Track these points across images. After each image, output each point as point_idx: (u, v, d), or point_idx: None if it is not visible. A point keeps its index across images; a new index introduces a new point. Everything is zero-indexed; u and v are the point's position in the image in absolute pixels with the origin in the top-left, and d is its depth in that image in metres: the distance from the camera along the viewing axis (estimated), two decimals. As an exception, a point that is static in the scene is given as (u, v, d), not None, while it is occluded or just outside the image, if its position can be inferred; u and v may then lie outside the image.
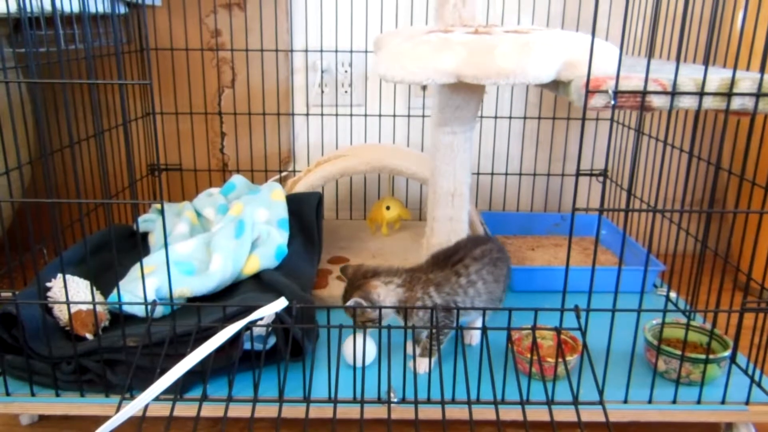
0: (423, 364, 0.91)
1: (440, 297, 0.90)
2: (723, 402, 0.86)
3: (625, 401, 0.86)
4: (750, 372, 0.91)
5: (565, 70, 0.86)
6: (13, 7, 1.02)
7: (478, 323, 0.99)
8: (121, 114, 1.46)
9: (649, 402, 0.86)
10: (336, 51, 1.51)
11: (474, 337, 1.01)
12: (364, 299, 0.87)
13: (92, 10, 1.24)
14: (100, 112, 1.46)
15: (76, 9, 1.16)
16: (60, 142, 1.19)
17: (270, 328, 0.88)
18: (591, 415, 0.80)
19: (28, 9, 1.02)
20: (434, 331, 0.89)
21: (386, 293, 0.88)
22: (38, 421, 0.96)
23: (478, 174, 1.60)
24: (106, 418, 0.71)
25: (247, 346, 0.87)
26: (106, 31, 1.32)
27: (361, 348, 0.89)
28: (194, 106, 1.52)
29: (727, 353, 0.90)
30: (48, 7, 1.08)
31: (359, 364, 0.89)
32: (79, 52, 1.24)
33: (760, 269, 1.22)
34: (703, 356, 0.87)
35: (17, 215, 1.33)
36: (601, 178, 1.58)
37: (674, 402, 0.86)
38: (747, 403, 0.86)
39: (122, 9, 1.41)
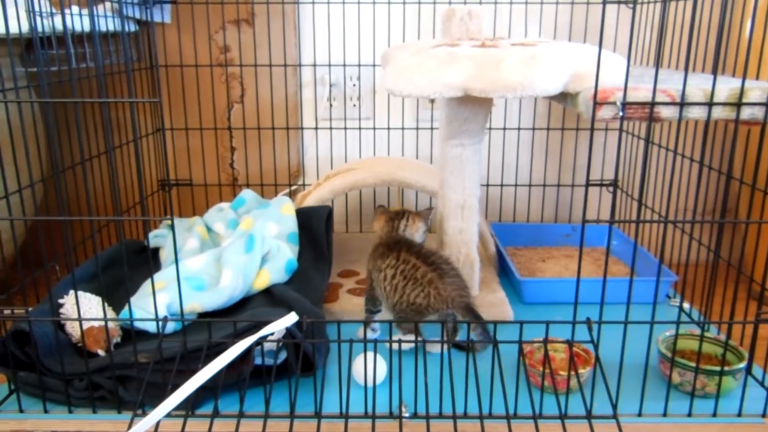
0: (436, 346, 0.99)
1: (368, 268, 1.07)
2: (739, 414, 0.85)
3: (640, 414, 0.85)
4: (766, 384, 0.90)
5: (572, 82, 0.86)
6: (25, 27, 1.03)
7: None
8: (131, 130, 1.47)
9: (664, 415, 0.85)
10: (344, 65, 1.52)
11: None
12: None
13: (102, 28, 1.26)
14: (111, 128, 1.47)
15: (86, 28, 1.18)
16: (72, 160, 1.20)
17: (281, 343, 0.88)
18: (605, 429, 0.79)
19: (40, 29, 1.04)
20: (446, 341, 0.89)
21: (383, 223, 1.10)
22: (51, 438, 0.96)
23: (488, 185, 1.59)
24: (118, 435, 0.71)
25: (258, 361, 0.87)
26: (117, 49, 1.34)
27: (372, 367, 0.88)
28: (204, 121, 1.54)
29: (743, 365, 0.88)
30: (59, 26, 1.09)
31: (370, 383, 0.88)
32: (90, 71, 1.25)
33: (774, 279, 1.21)
34: (718, 368, 0.86)
35: (30, 233, 1.34)
36: (611, 189, 1.57)
37: (689, 415, 0.85)
38: (764, 415, 0.85)
39: (132, 27, 1.43)
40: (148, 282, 0.99)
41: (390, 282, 0.99)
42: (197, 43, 1.48)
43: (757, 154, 0.79)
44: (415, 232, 1.09)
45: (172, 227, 0.80)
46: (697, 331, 0.97)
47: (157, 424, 0.73)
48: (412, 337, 1.00)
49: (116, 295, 1.05)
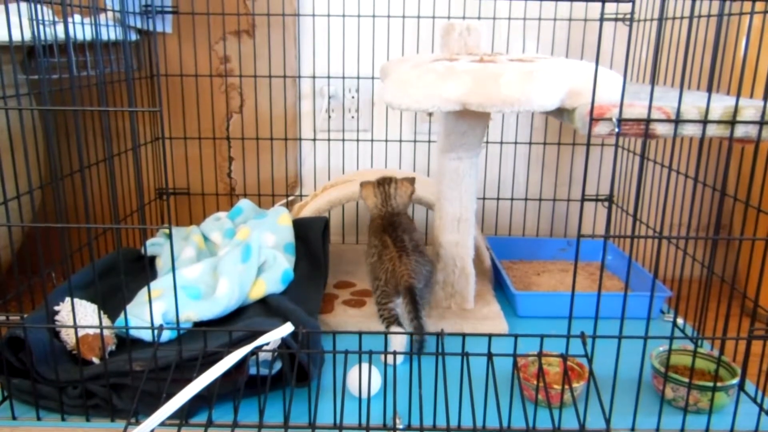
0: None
1: None
2: (732, 430, 0.85)
3: (633, 429, 0.85)
4: (759, 400, 0.91)
5: (569, 98, 0.87)
6: (28, 35, 1.04)
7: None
8: (131, 138, 1.48)
9: (657, 430, 0.85)
10: (343, 77, 1.53)
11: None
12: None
13: (104, 37, 1.27)
14: (111, 136, 1.47)
15: (88, 37, 1.18)
16: (70, 167, 1.20)
17: (276, 354, 0.88)
18: (598, 443, 0.80)
19: (42, 37, 1.04)
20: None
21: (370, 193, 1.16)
22: (43, 446, 0.96)
23: (484, 199, 1.60)
24: (112, 443, 0.71)
25: (252, 371, 0.87)
26: (118, 57, 1.34)
27: (366, 378, 0.88)
28: (203, 131, 1.54)
29: (735, 381, 0.89)
30: (61, 34, 1.10)
31: (364, 395, 0.88)
32: (91, 79, 1.26)
33: (767, 295, 1.22)
34: (710, 384, 0.87)
35: (27, 239, 1.34)
36: (606, 204, 1.58)
37: (682, 430, 0.85)
38: (756, 431, 0.85)
39: (133, 36, 1.44)
40: (144, 290, 1.00)
41: (369, 261, 1.10)
42: (197, 53, 1.49)
43: (751, 171, 0.80)
44: (405, 193, 1.16)
45: (169, 236, 0.80)
46: (691, 346, 0.98)
47: (151, 432, 0.73)
48: (394, 328, 1.00)
49: (112, 302, 1.05)
